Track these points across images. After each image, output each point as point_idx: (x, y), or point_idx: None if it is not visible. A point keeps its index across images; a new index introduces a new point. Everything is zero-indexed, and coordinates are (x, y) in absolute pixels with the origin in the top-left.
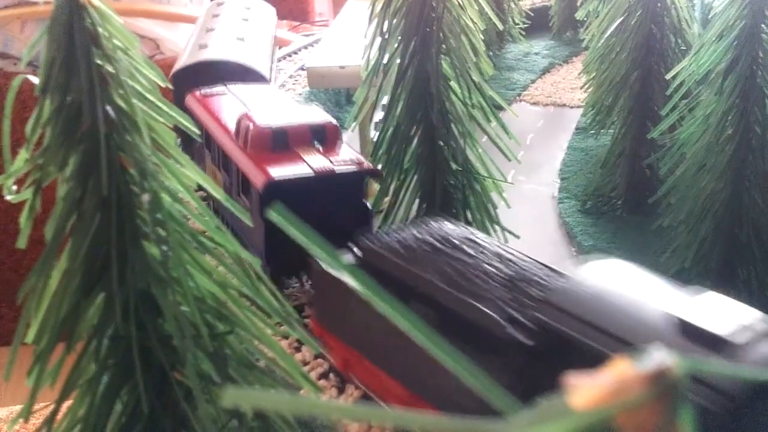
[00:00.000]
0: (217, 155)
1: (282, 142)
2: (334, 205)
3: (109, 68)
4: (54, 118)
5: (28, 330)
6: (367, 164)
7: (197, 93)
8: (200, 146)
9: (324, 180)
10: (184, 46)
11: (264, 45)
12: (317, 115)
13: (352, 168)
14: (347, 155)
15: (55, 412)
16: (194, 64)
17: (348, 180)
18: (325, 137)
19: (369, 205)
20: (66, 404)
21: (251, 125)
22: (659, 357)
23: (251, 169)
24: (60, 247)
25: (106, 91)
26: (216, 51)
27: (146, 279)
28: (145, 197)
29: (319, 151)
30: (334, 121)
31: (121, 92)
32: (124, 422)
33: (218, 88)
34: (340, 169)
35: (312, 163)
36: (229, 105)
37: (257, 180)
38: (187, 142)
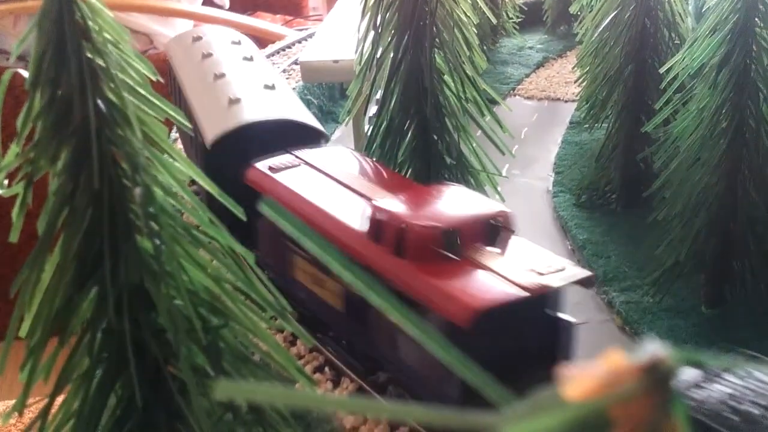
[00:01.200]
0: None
1: (453, 246)
2: (534, 325)
3: (100, 62)
4: (45, 112)
5: (21, 324)
6: (577, 269)
7: (262, 166)
8: (275, 238)
9: (536, 299)
10: (195, 99)
11: (289, 89)
12: (484, 202)
13: (566, 277)
14: (543, 258)
15: (49, 406)
16: (241, 127)
17: (555, 293)
18: (499, 232)
19: (566, 317)
20: (60, 398)
21: (406, 223)
22: (652, 349)
23: (429, 289)
24: (53, 241)
25: (96, 85)
26: (261, 108)
27: (139, 273)
28: (137, 191)
29: (499, 252)
30: (507, 209)
31: (112, 86)
32: (118, 416)
33: (285, 158)
34: (555, 282)
35: (513, 276)
36: (323, 184)
37: (449, 307)
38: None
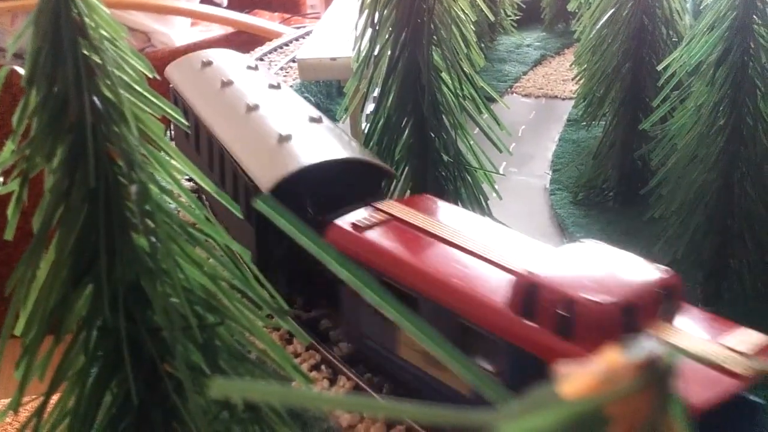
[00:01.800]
0: (450, 334)
1: (632, 324)
2: (732, 410)
3: (96, 59)
4: (40, 108)
5: (16, 322)
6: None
7: (343, 224)
8: (365, 305)
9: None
10: (229, 134)
11: (332, 122)
12: (643, 264)
13: None
14: (725, 329)
15: (44, 405)
16: (303, 169)
17: None
18: (671, 299)
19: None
20: (55, 396)
21: (573, 298)
22: (649, 346)
23: None
24: (48, 239)
25: (92, 82)
26: (319, 146)
27: (135, 270)
28: (133, 188)
29: (677, 326)
30: (674, 272)
31: (108, 83)
32: (114, 414)
33: (366, 212)
34: (764, 365)
35: (716, 359)
36: (427, 245)
37: None
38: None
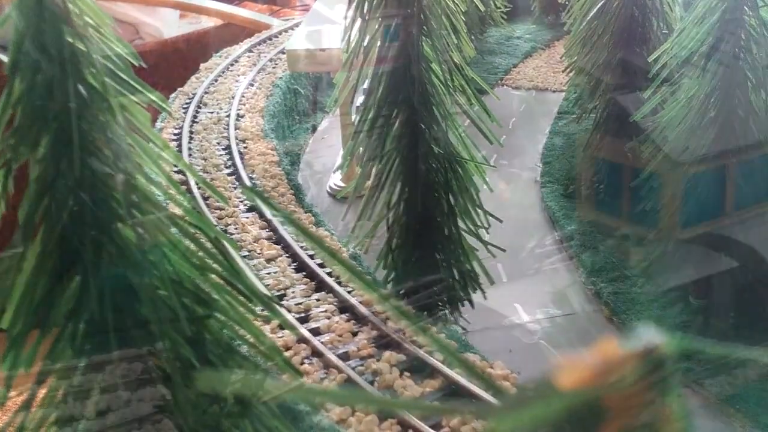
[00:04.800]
0: None
1: None
2: None
3: (81, 46)
4: (25, 97)
5: (2, 315)
6: None
7: None
8: None
9: None
10: None
11: None
12: None
13: None
14: None
15: (31, 398)
16: None
17: None
18: None
19: None
20: (43, 390)
21: None
22: (646, 337)
23: None
24: (34, 230)
25: (77, 70)
26: None
27: (122, 262)
28: (119, 178)
29: None
30: None
31: (92, 71)
32: (102, 407)
33: None
34: None
35: None
36: None
37: None
38: None
